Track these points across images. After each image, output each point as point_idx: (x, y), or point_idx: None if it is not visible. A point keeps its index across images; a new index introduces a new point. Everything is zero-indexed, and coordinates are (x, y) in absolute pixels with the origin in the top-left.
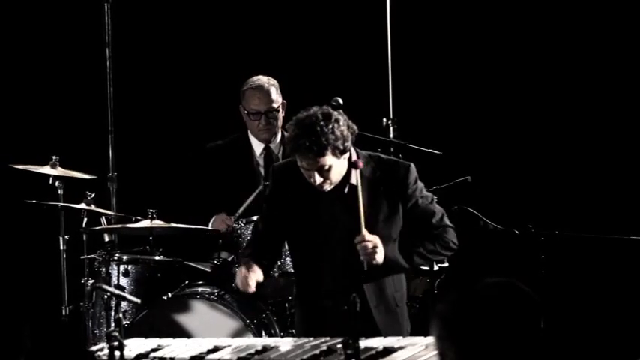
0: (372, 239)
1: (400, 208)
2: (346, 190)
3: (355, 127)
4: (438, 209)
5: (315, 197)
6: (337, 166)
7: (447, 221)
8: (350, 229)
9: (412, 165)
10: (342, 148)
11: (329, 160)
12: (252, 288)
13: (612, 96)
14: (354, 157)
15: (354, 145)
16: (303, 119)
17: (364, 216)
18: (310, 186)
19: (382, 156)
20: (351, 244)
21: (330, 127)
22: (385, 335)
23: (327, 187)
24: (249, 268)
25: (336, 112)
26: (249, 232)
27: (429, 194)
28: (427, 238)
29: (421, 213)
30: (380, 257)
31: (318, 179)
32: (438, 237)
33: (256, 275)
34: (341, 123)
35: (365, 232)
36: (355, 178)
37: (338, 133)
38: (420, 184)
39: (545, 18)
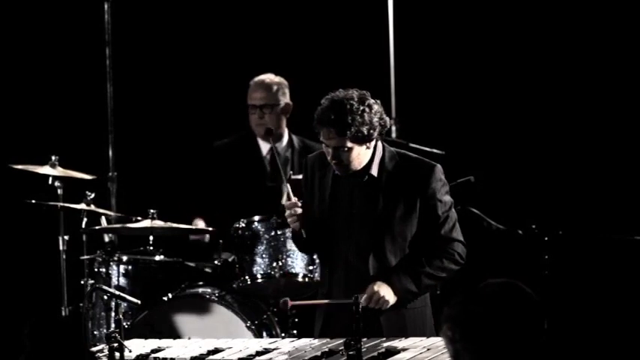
0: (377, 290)
1: (418, 207)
2: (365, 179)
3: (387, 120)
4: (452, 219)
5: (336, 185)
6: (357, 152)
7: (456, 234)
8: (365, 219)
9: (438, 166)
10: (365, 134)
11: (348, 142)
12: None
13: (616, 95)
14: (384, 151)
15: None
16: (337, 94)
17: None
18: (335, 175)
19: (409, 154)
20: (364, 234)
21: (362, 109)
22: (387, 336)
23: (343, 171)
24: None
25: (372, 100)
26: (249, 231)
27: (449, 200)
28: (432, 252)
29: (432, 216)
30: (389, 303)
31: (334, 159)
32: (442, 249)
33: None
34: (373, 110)
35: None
36: (376, 169)
37: (366, 118)
38: (444, 188)
39: (549, 17)
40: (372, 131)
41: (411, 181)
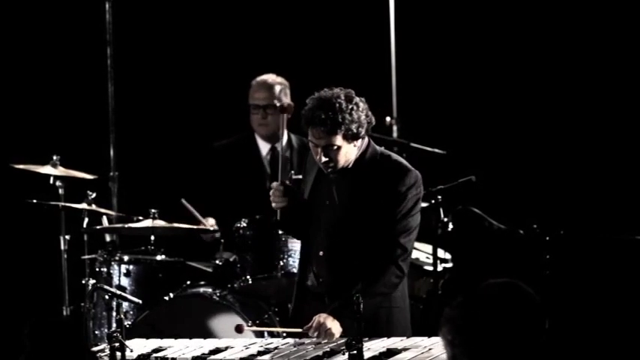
0: (323, 322)
1: (382, 205)
2: (343, 173)
3: (373, 117)
4: (407, 225)
5: (321, 178)
6: (345, 150)
7: (404, 241)
8: (336, 212)
9: (416, 172)
10: (354, 131)
11: (338, 140)
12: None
13: (616, 95)
14: (367, 148)
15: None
16: (324, 94)
17: None
18: (319, 170)
19: (393, 155)
20: (335, 229)
21: (350, 107)
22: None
23: (330, 169)
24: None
25: (358, 98)
26: (250, 231)
27: (414, 207)
28: (376, 260)
29: (387, 216)
30: (335, 336)
31: (324, 157)
32: (386, 257)
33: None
34: (360, 108)
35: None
36: (353, 163)
37: (355, 116)
38: (413, 196)
39: (549, 16)
40: (360, 129)
41: (382, 180)
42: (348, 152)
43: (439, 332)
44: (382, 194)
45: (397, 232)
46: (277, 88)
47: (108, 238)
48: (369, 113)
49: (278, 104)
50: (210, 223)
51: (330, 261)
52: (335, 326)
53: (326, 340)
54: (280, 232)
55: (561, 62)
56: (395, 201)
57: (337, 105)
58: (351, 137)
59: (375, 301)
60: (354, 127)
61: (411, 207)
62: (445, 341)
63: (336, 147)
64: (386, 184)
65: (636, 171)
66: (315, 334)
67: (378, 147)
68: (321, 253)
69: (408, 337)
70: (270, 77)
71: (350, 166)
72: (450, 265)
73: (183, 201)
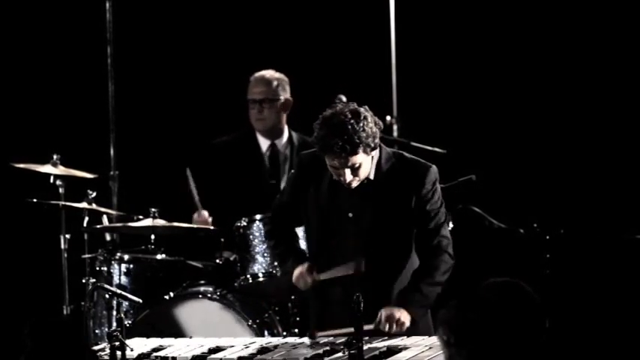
0: (393, 314)
1: (412, 206)
2: (363, 183)
3: (381, 123)
4: (442, 217)
5: (337, 189)
6: (366, 163)
7: (445, 232)
8: (362, 222)
9: (434, 167)
10: (372, 145)
11: (360, 157)
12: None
13: (616, 95)
14: (380, 152)
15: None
16: (331, 118)
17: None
18: (332, 181)
19: (406, 155)
20: (363, 236)
21: (361, 125)
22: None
23: (355, 184)
24: (307, 267)
25: (362, 109)
26: (250, 230)
27: (441, 200)
28: (426, 254)
29: (423, 215)
30: (406, 325)
31: (349, 177)
32: (433, 249)
33: (314, 274)
34: (369, 120)
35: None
36: (373, 172)
37: (369, 131)
38: (437, 189)
39: (549, 16)
40: (375, 140)
41: (406, 182)
42: (367, 164)
43: (436, 332)
44: (411, 197)
45: (437, 225)
46: (274, 83)
47: (108, 237)
48: (376, 119)
49: (277, 99)
50: (204, 215)
51: (377, 267)
52: (404, 315)
53: (398, 330)
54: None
55: (561, 61)
56: (426, 200)
57: (350, 127)
58: (370, 150)
59: (438, 291)
60: (370, 141)
61: (439, 199)
62: (441, 341)
63: (358, 164)
64: (412, 186)
65: (636, 170)
66: (387, 327)
67: (384, 146)
68: (361, 263)
69: (429, 335)
70: (268, 72)
71: (371, 175)
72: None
73: (188, 171)
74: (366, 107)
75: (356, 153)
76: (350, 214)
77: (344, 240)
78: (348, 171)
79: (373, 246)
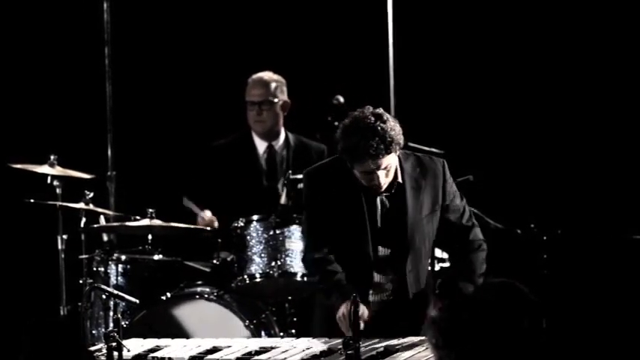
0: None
1: (440, 202)
2: (393, 189)
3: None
4: (466, 206)
5: (358, 197)
6: (395, 163)
7: (473, 219)
8: (398, 226)
9: (442, 160)
10: (401, 142)
11: (392, 157)
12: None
13: (616, 95)
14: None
15: None
16: (356, 124)
17: None
18: (347, 187)
19: (415, 153)
20: (396, 240)
21: (388, 124)
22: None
23: (384, 187)
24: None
25: (379, 110)
26: (247, 231)
27: (457, 190)
28: (464, 247)
29: (454, 211)
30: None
31: (383, 179)
32: (470, 242)
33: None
34: (390, 119)
35: None
36: (400, 175)
37: (396, 129)
38: (454, 182)
39: (549, 16)
40: (402, 138)
41: (430, 178)
42: (396, 163)
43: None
44: (438, 194)
45: (467, 217)
46: (273, 85)
47: (105, 237)
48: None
49: (275, 101)
50: (208, 215)
51: (416, 269)
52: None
53: None
54: (279, 231)
55: (560, 62)
56: (452, 194)
57: (380, 128)
58: (399, 148)
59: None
60: (400, 138)
61: (457, 192)
62: (430, 344)
63: (391, 165)
64: (436, 183)
65: (634, 170)
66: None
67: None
68: (408, 268)
69: None
70: (266, 74)
71: (399, 178)
72: (447, 264)
73: (185, 200)
74: (381, 108)
75: (391, 152)
76: (379, 225)
77: (377, 245)
78: (382, 173)
79: (411, 248)
